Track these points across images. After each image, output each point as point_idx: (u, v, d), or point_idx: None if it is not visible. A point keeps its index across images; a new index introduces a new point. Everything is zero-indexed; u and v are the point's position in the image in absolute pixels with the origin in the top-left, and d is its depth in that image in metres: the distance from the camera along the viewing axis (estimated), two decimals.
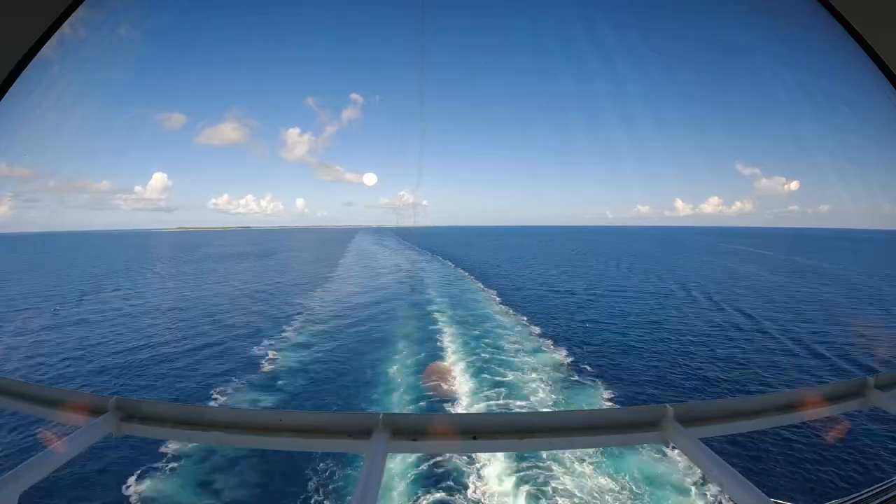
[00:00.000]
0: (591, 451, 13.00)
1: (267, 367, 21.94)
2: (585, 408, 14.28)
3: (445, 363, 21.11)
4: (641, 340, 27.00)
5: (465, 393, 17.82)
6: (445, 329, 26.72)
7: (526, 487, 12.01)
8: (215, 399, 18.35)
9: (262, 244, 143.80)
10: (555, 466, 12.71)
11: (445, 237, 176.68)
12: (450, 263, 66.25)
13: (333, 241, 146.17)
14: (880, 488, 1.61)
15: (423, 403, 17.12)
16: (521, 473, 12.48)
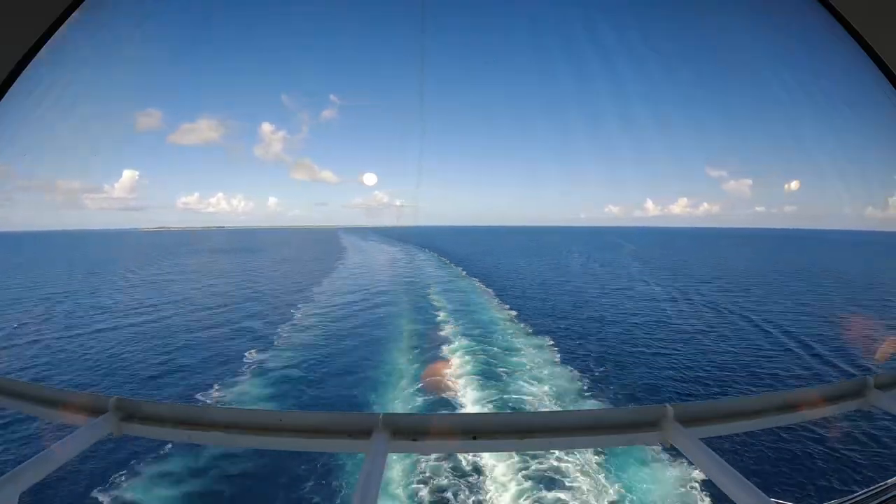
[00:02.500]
0: (591, 451, 13.00)
1: (267, 366, 21.91)
2: (585, 408, 14.27)
3: (446, 362, 21.10)
4: (642, 340, 26.98)
5: (465, 392, 17.82)
6: (445, 328, 26.71)
7: (526, 487, 12.00)
8: (215, 399, 18.35)
9: (251, 243, 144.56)
10: (555, 466, 12.70)
11: (442, 236, 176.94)
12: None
13: (318, 240, 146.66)
14: (880, 488, 1.60)
15: (423, 403, 17.11)
16: (522, 473, 12.47)
